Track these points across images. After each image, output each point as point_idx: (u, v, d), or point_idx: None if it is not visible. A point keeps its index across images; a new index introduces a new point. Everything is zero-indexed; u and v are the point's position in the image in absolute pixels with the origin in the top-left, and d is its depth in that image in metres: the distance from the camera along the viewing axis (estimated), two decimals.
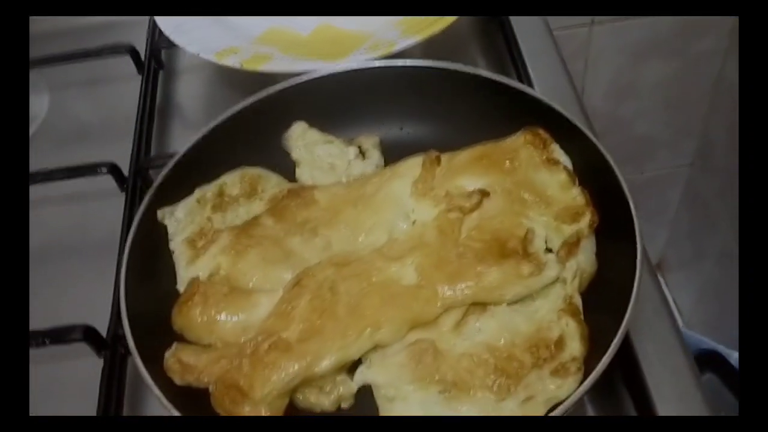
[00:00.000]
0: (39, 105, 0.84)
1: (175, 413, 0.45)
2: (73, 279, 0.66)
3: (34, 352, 0.57)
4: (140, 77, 0.80)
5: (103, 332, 0.58)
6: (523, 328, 0.50)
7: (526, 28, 0.80)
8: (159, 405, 0.46)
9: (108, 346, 0.58)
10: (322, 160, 0.63)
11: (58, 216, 0.72)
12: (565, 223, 0.54)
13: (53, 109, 0.84)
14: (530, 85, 0.73)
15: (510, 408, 0.46)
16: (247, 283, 0.54)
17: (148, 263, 0.56)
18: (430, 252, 0.53)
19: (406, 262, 0.53)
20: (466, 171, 0.58)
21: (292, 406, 0.49)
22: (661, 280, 1.74)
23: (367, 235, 0.56)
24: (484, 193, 0.55)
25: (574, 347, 0.48)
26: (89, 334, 0.57)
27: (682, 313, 1.68)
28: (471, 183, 0.57)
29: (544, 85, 0.74)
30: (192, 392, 0.49)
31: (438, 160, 0.59)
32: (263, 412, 0.47)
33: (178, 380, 0.49)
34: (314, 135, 0.64)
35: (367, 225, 0.57)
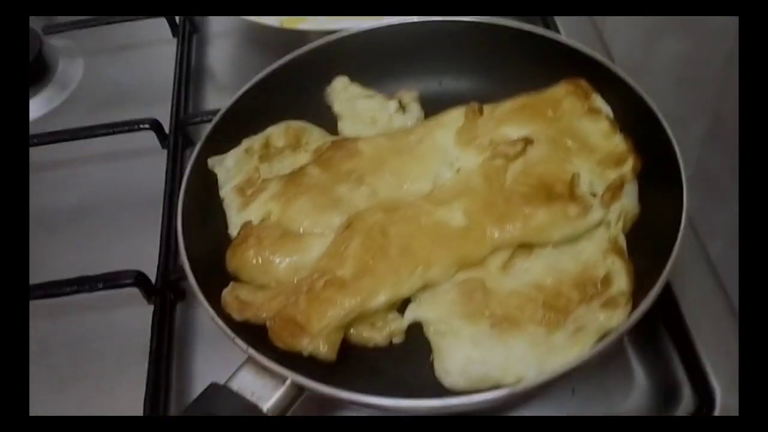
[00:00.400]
0: (74, 69, 0.85)
1: (240, 342, 0.46)
2: (118, 232, 0.68)
3: (86, 297, 0.59)
4: (175, 41, 0.82)
5: (153, 279, 0.60)
6: (570, 268, 0.52)
7: None
8: (204, 349, 0.47)
9: (158, 291, 0.59)
10: (364, 113, 0.64)
11: (101, 172, 0.73)
12: (608, 169, 0.55)
13: (87, 73, 0.85)
14: None
15: (561, 340, 0.48)
16: (298, 228, 0.56)
17: (201, 209, 0.57)
18: (477, 196, 0.54)
19: (453, 206, 0.54)
20: (509, 120, 0.59)
21: (345, 341, 0.51)
22: None
23: (413, 183, 0.57)
24: (528, 141, 0.56)
25: (622, 282, 0.49)
26: (140, 279, 0.58)
27: None
28: (514, 132, 0.58)
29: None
30: (250, 326, 0.50)
31: (480, 110, 0.60)
32: (321, 345, 0.48)
33: (236, 316, 0.50)
34: (355, 90, 0.66)
35: (412, 173, 0.58)
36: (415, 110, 0.65)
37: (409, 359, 0.51)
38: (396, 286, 0.51)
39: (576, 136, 0.57)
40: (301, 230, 0.56)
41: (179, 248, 0.52)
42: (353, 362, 0.50)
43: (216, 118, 0.60)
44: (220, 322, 0.47)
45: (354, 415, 0.52)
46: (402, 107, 0.65)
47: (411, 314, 0.52)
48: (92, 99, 0.82)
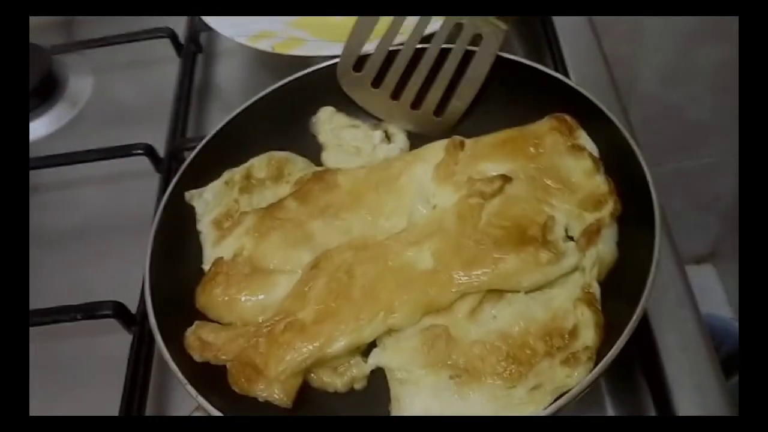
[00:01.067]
0: (83, 87, 0.87)
1: (191, 389, 0.46)
2: (108, 257, 0.69)
3: (66, 327, 0.60)
4: (179, 60, 0.82)
5: (134, 309, 0.61)
6: (539, 316, 0.50)
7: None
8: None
9: (137, 322, 0.60)
10: (348, 144, 0.64)
11: (96, 195, 0.74)
12: (587, 211, 0.53)
13: (96, 91, 0.86)
14: (564, 70, 0.72)
15: (519, 395, 0.46)
16: (269, 264, 0.55)
17: (175, 244, 0.57)
18: (448, 237, 0.53)
19: (423, 247, 0.53)
20: (489, 156, 0.57)
21: (306, 385, 0.50)
22: (713, 269, 1.72)
23: (387, 220, 0.56)
24: (506, 179, 0.55)
25: (588, 336, 0.47)
26: (119, 311, 0.59)
27: (734, 303, 1.63)
28: (494, 168, 0.56)
29: (580, 71, 0.73)
30: (209, 370, 0.50)
31: (462, 145, 0.58)
32: (276, 391, 0.48)
33: (197, 357, 0.50)
34: (341, 119, 0.65)
35: (388, 209, 0.57)
36: (400, 141, 0.64)
37: (370, 407, 0.50)
38: (356, 332, 0.50)
39: (556, 175, 0.55)
40: (272, 267, 0.55)
41: (144, 288, 0.52)
42: (310, 409, 0.50)
43: (195, 151, 0.60)
44: (173, 366, 0.47)
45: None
46: (387, 137, 0.64)
47: (373, 360, 0.51)
48: (100, 117, 0.84)
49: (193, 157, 0.60)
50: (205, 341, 0.51)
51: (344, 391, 0.50)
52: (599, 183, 0.54)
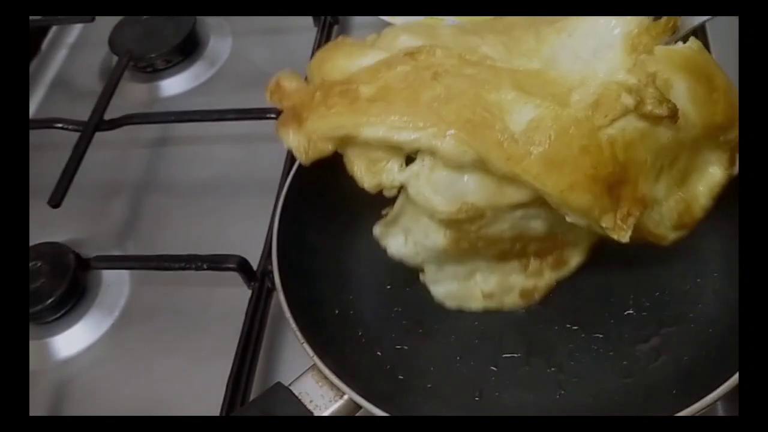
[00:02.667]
0: (222, 48, 0.90)
1: (307, 348, 0.48)
2: (235, 213, 0.72)
3: (191, 274, 0.63)
4: (315, 29, 0.84)
5: (255, 266, 0.63)
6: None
7: None
8: (293, 341, 0.49)
9: (257, 278, 0.62)
10: None
11: (227, 153, 0.77)
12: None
13: (234, 52, 0.89)
14: None
15: None
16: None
17: (303, 208, 0.58)
18: (559, 118, 0.42)
19: (528, 101, 0.43)
20: (679, 71, 0.45)
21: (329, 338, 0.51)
22: None
23: (520, 58, 0.47)
24: (674, 114, 0.43)
25: None
26: (242, 265, 0.62)
27: None
28: (673, 93, 0.44)
29: None
30: (325, 333, 0.52)
31: (673, 28, 0.46)
32: (301, 143, 0.47)
33: (268, 98, 0.51)
34: None
35: (526, 47, 0.48)
36: None
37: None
38: (398, 130, 0.44)
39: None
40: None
41: (271, 247, 0.54)
42: (415, 386, 0.51)
43: None
44: (293, 324, 0.49)
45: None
46: None
47: (404, 177, 0.47)
48: (236, 77, 0.87)
49: None
50: (279, 85, 0.51)
51: (371, 191, 0.48)
52: None
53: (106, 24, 0.90)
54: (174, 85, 0.87)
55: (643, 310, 0.52)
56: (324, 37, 0.83)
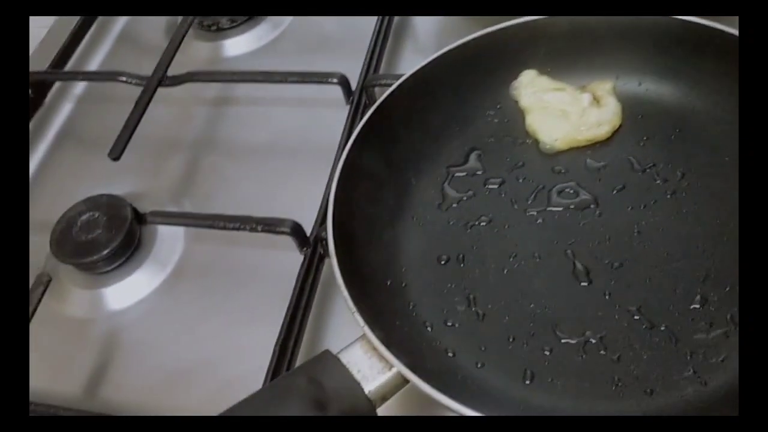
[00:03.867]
0: None
1: (358, 317, 0.47)
2: (290, 176, 0.71)
3: (246, 235, 0.63)
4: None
5: (309, 231, 0.63)
6: None
7: None
8: (344, 308, 0.49)
9: (310, 244, 0.62)
10: (554, 107, 0.61)
11: (287, 116, 0.76)
12: None
13: (297, 17, 0.88)
14: None
15: None
16: None
17: (357, 181, 0.57)
18: None
19: None
20: None
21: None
22: None
23: None
24: None
25: None
26: (296, 230, 0.61)
27: None
28: None
29: None
30: (376, 304, 0.51)
31: None
32: None
33: None
34: (544, 82, 0.62)
35: None
36: (611, 104, 0.61)
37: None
38: None
39: None
40: None
41: (327, 219, 0.53)
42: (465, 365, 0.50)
43: (385, 95, 0.60)
44: (345, 293, 0.48)
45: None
46: (596, 100, 0.61)
47: None
48: (298, 41, 0.86)
49: (384, 99, 0.61)
50: None
51: None
52: None
53: None
54: (238, 45, 0.86)
55: (710, 305, 0.50)
56: (386, 22, 0.81)
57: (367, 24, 0.80)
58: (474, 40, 0.62)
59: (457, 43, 0.63)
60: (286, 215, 0.62)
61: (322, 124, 0.73)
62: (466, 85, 0.63)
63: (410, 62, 0.77)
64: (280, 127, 0.76)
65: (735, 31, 0.56)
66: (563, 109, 0.61)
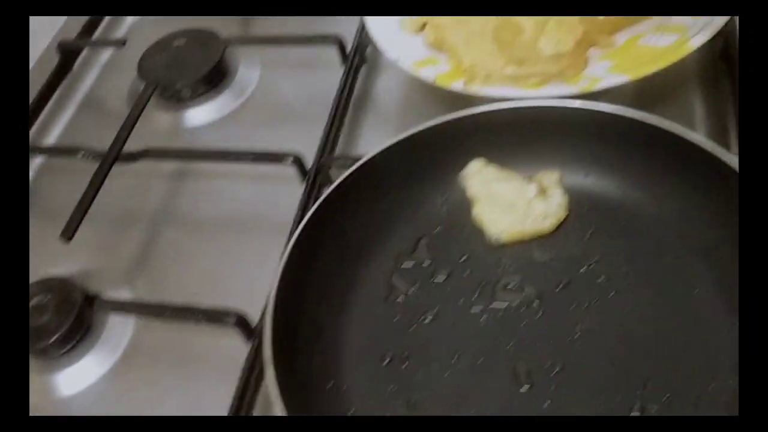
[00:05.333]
0: (250, 78, 0.89)
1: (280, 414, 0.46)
2: (246, 255, 0.71)
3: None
4: (343, 67, 0.83)
5: (257, 318, 0.62)
6: None
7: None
8: None
9: (255, 335, 0.61)
10: (501, 198, 0.62)
11: (245, 191, 0.76)
12: None
13: (261, 84, 0.88)
14: None
15: None
16: None
17: (305, 267, 0.57)
18: None
19: None
20: None
21: None
22: None
23: None
24: None
25: None
26: (241, 322, 0.61)
27: None
28: None
29: None
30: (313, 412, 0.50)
31: None
32: None
33: None
34: (492, 172, 0.63)
35: None
36: (557, 195, 0.61)
37: None
38: None
39: None
40: None
41: (267, 311, 0.53)
42: None
43: (338, 181, 0.61)
44: (281, 407, 0.48)
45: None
46: (543, 191, 0.62)
47: None
48: (260, 112, 0.86)
49: (335, 186, 0.61)
50: None
51: None
52: None
53: (139, 45, 0.90)
54: (199, 116, 0.86)
55: (649, 413, 0.49)
56: (351, 76, 0.81)
57: (328, 95, 0.80)
58: (426, 129, 0.63)
59: (410, 132, 0.63)
60: (237, 298, 0.63)
61: (278, 201, 0.73)
62: (418, 173, 0.64)
63: (370, 140, 0.78)
64: (238, 202, 0.76)
65: (684, 131, 0.56)
66: (509, 201, 0.61)
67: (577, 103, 0.60)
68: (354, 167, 0.62)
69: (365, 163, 0.62)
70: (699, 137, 0.56)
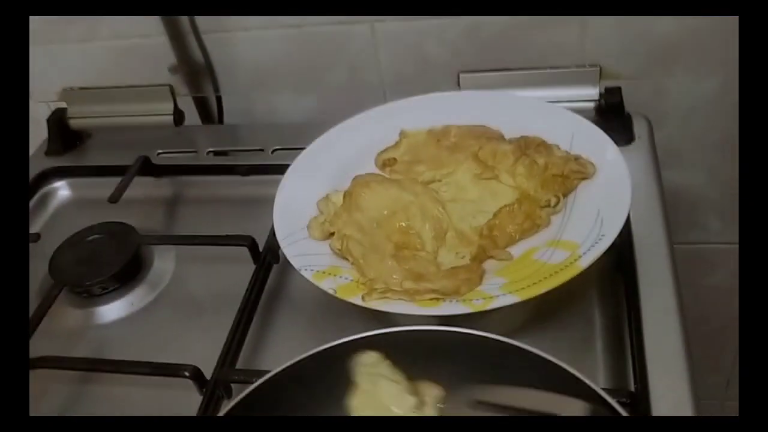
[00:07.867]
0: (164, 272, 0.90)
1: None
2: None
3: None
4: (255, 266, 0.83)
5: None
6: None
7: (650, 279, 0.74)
8: None
9: None
10: (380, 397, 0.61)
11: (141, 399, 0.74)
12: None
13: (175, 279, 0.89)
14: (642, 358, 0.66)
15: None
16: None
17: None
18: None
19: None
20: None
21: None
22: None
23: None
24: None
25: None
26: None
27: None
28: None
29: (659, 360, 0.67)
30: None
31: None
32: None
33: None
34: (384, 369, 0.62)
35: None
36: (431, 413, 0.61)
37: None
38: None
39: None
40: None
41: None
42: None
43: (233, 401, 0.60)
44: None
45: None
46: (420, 404, 0.61)
47: None
48: (172, 307, 0.85)
49: (231, 408, 0.60)
50: None
51: None
52: None
53: (53, 241, 0.91)
54: (111, 312, 0.86)
55: None
56: (260, 277, 0.82)
57: (239, 289, 0.80)
58: (323, 350, 0.62)
59: (311, 352, 0.62)
60: None
61: (178, 411, 0.71)
62: (316, 392, 0.63)
63: (277, 343, 0.78)
64: (138, 410, 0.74)
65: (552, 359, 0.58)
66: (386, 405, 0.60)
67: (463, 330, 0.61)
68: (249, 389, 0.61)
69: (263, 383, 0.61)
70: (564, 365, 0.57)
